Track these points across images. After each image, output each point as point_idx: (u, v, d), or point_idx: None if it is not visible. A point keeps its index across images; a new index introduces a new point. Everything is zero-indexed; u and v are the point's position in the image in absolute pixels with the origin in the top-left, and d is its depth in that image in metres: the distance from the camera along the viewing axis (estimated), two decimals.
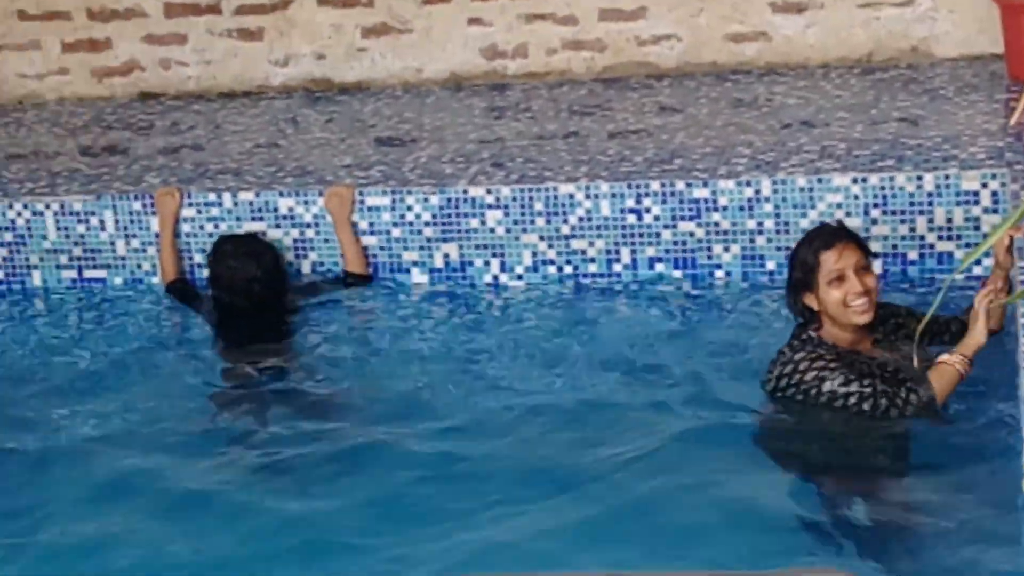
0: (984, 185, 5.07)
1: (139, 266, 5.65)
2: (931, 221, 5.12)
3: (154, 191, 5.64)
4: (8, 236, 5.72)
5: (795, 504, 3.73)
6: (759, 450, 4.04)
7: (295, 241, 5.56)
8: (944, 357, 3.98)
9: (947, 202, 5.11)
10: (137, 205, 5.64)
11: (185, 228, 5.60)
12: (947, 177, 5.12)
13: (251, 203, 5.57)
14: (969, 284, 4.87)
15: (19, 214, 5.71)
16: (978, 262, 4.80)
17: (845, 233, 4.10)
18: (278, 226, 5.56)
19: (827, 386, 4.00)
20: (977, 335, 3.95)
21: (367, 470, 4.25)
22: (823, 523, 3.67)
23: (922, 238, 5.14)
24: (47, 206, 5.69)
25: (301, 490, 4.17)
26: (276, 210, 5.56)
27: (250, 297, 5.17)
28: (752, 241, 5.30)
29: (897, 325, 4.26)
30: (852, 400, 3.95)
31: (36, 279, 5.72)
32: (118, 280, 5.67)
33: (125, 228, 5.65)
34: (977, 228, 5.11)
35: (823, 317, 4.09)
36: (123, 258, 5.65)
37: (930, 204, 5.13)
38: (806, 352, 4.06)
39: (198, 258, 5.57)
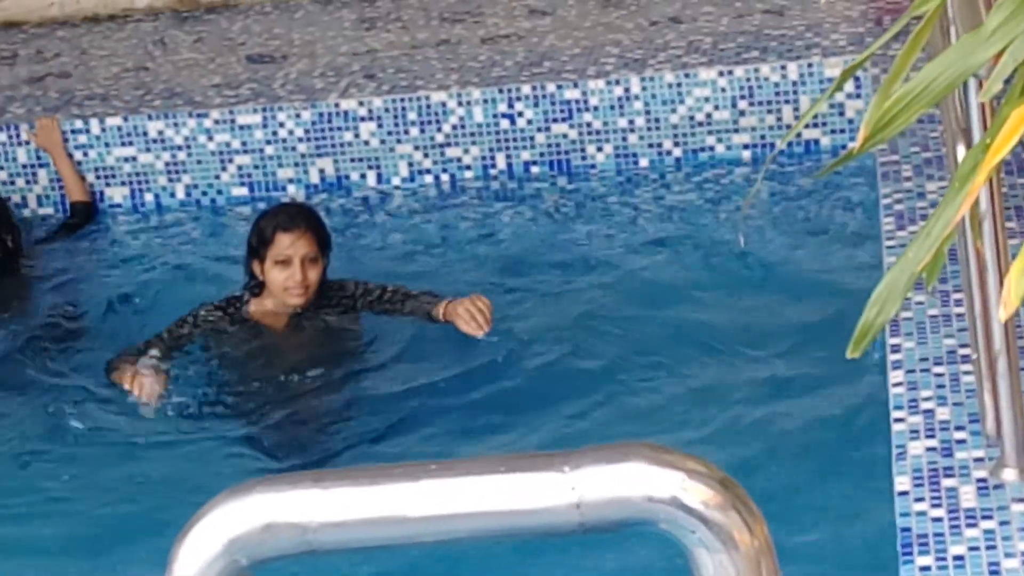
0: None
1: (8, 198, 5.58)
2: (796, 110, 5.19)
3: (20, 122, 5.55)
4: None
5: None
6: None
7: (167, 165, 5.51)
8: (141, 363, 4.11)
9: (811, 90, 5.19)
10: (2, 136, 5.54)
11: None
12: (810, 65, 5.19)
13: (119, 128, 5.50)
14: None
15: None
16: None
17: (307, 221, 4.14)
18: (148, 150, 5.51)
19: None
20: (122, 380, 4.06)
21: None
22: None
23: (789, 127, 5.22)
24: None
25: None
26: (146, 134, 5.50)
27: None
28: (624, 139, 5.34)
29: (349, 303, 4.29)
30: None
31: None
32: None
33: None
34: (842, 114, 5.19)
35: (266, 286, 4.18)
36: None
37: (795, 93, 5.21)
38: (203, 314, 4.24)
39: None
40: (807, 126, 5.23)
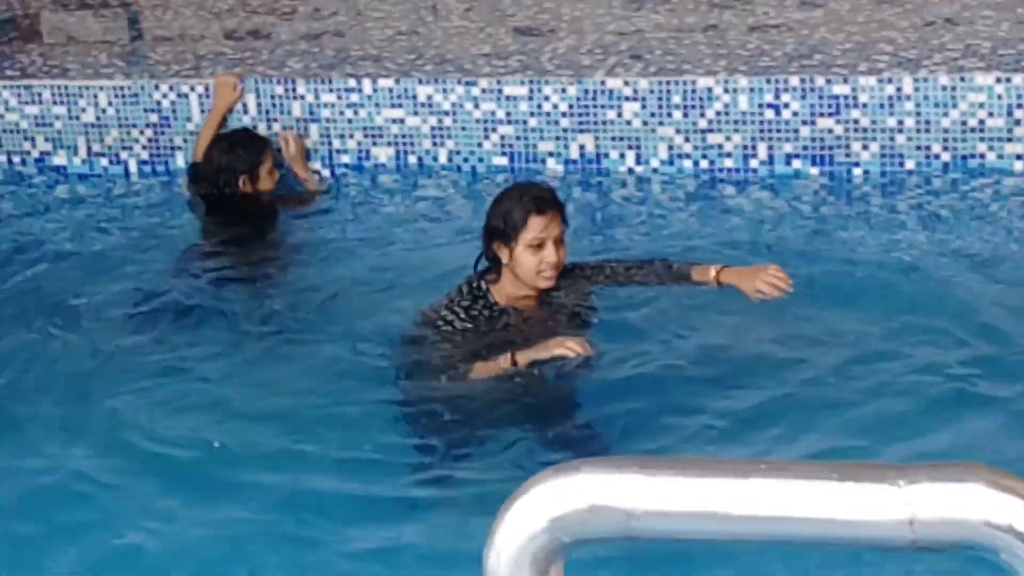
0: None
1: (279, 149, 5.75)
2: None
3: (296, 76, 5.72)
4: (153, 117, 5.85)
5: None
6: None
7: (432, 129, 5.62)
8: (501, 357, 3.87)
9: None
10: (280, 89, 5.73)
11: (324, 114, 5.69)
12: None
13: (390, 90, 5.63)
14: None
15: (164, 96, 5.83)
16: None
17: (556, 202, 3.99)
18: (416, 113, 5.62)
19: (436, 353, 4.00)
20: (544, 351, 3.84)
21: None
22: None
23: None
24: (192, 88, 5.81)
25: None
26: (415, 97, 5.62)
27: (218, 187, 5.16)
28: (892, 139, 5.24)
29: (574, 281, 4.13)
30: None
31: (180, 160, 5.85)
32: None
33: (267, 112, 5.75)
34: None
35: (506, 270, 4.01)
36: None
37: None
38: (463, 305, 4.03)
39: (336, 143, 5.66)
40: (1009, 140, 5.05)
